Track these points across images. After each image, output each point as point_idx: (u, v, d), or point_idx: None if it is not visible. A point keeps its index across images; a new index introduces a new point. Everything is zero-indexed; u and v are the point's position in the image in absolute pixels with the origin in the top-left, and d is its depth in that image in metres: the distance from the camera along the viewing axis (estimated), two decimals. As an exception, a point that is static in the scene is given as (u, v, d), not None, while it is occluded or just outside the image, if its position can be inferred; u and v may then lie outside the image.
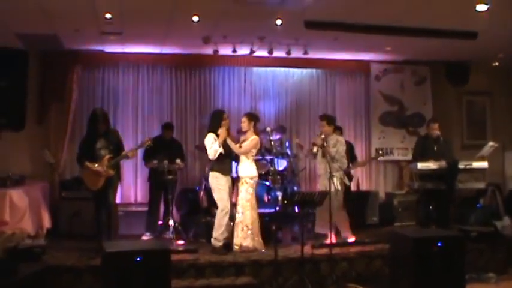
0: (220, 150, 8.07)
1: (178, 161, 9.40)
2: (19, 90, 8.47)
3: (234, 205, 8.36)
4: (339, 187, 8.54)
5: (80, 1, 7.36)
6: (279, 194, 9.23)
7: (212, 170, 8.26)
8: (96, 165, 8.04)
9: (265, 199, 9.30)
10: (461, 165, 8.93)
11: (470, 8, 7.68)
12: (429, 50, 10.70)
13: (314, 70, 11.95)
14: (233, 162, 8.47)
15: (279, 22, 8.45)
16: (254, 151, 8.37)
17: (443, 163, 8.95)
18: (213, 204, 8.74)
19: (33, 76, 10.00)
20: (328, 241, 8.26)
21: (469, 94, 12.40)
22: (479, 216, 9.77)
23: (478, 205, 10.15)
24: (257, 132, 8.48)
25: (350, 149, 10.50)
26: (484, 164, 9.17)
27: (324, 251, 7.99)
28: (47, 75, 10.34)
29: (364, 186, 11.77)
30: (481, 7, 7.68)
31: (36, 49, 10.01)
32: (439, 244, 6.48)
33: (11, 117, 8.39)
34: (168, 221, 9.10)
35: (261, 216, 8.90)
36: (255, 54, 10.30)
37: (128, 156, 8.34)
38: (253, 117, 8.62)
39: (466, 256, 6.80)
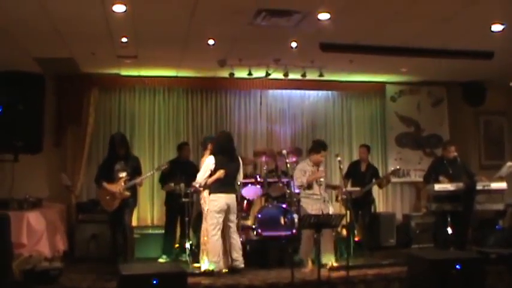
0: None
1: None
2: (36, 114, 8.56)
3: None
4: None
5: (96, 25, 7.43)
6: (295, 217, 9.19)
7: None
8: (113, 186, 8.15)
9: (282, 222, 9.25)
10: (479, 186, 8.86)
11: (485, 28, 7.67)
12: (445, 71, 10.67)
13: (330, 92, 11.97)
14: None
15: (294, 45, 8.46)
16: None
17: (460, 184, 8.88)
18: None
19: (50, 99, 10.10)
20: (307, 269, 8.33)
21: (486, 114, 12.33)
22: (499, 238, 9.64)
23: (497, 226, 10.02)
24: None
25: (374, 173, 10.44)
26: (503, 185, 9.07)
27: (341, 273, 7.91)
28: (63, 99, 10.45)
29: (381, 208, 11.68)
30: (497, 27, 7.66)
31: (53, 73, 10.12)
32: (458, 267, 6.42)
33: (29, 140, 8.46)
34: (185, 243, 9.09)
35: (278, 238, 8.90)
36: (271, 76, 10.32)
37: (139, 184, 8.47)
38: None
39: (485, 279, 6.71)
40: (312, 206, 8.47)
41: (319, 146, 8.77)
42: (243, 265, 8.26)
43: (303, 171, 8.62)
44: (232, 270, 8.17)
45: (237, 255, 8.27)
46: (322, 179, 8.64)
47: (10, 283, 6.61)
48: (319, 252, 7.44)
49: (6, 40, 7.96)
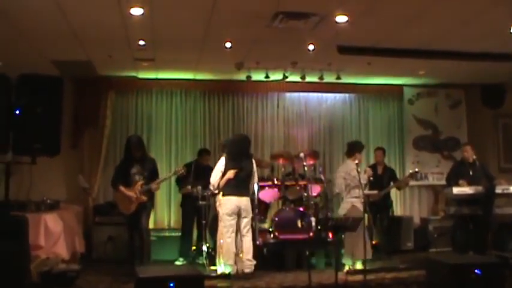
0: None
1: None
2: (54, 116, 8.57)
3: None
4: None
5: (114, 28, 7.45)
6: (313, 220, 9.16)
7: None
8: (129, 190, 8.15)
9: (299, 225, 9.21)
10: (498, 190, 8.79)
11: (505, 29, 7.58)
12: (463, 73, 10.59)
13: (347, 95, 11.92)
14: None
15: (311, 47, 8.43)
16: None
17: (479, 188, 8.80)
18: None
19: (68, 102, 10.10)
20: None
21: (505, 117, 12.17)
22: (519, 242, 9.55)
23: (517, 230, 9.93)
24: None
25: (392, 175, 10.39)
26: (523, 189, 8.99)
27: (359, 277, 7.87)
28: (81, 101, 10.52)
29: (398, 212, 11.61)
30: (516, 29, 7.59)
31: (70, 75, 10.14)
32: (477, 271, 6.35)
33: (46, 143, 8.49)
34: (201, 246, 9.09)
35: (295, 241, 8.86)
36: (288, 79, 10.30)
37: (156, 188, 8.44)
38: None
39: (505, 284, 6.64)
40: (360, 207, 8.47)
41: (361, 145, 8.97)
42: (250, 269, 8.17)
43: (357, 170, 8.63)
44: (242, 274, 8.11)
45: (246, 259, 8.18)
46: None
47: (28, 285, 6.64)
48: (338, 255, 7.43)
49: (25, 43, 8.02)
